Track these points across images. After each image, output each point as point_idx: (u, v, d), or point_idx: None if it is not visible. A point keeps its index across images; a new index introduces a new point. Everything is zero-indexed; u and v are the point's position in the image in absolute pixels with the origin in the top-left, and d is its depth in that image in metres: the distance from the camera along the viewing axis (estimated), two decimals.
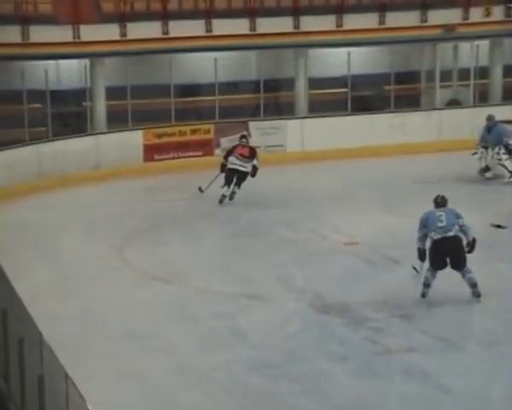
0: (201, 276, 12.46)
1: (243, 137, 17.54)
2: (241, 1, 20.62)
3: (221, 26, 19.74)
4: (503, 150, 17.22)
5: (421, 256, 11.26)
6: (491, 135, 17.30)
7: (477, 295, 11.01)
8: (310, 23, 20.05)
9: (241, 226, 15.04)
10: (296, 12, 20.12)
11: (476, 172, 17.54)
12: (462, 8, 20.53)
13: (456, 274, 11.10)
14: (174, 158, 19.88)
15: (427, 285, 11.14)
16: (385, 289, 11.57)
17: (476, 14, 20.59)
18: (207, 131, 20.14)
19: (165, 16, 19.74)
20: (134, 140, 19.50)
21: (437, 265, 11.15)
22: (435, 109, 21.03)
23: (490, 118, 17.45)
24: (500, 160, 17.31)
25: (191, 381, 8.95)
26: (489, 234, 13.54)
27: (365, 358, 9.49)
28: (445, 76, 21.59)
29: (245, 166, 16.75)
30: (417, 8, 20.49)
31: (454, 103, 21.65)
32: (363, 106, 21.30)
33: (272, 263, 12.87)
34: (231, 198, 16.59)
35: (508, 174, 17.24)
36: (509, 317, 10.28)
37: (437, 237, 11.08)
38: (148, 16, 19.88)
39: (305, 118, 20.65)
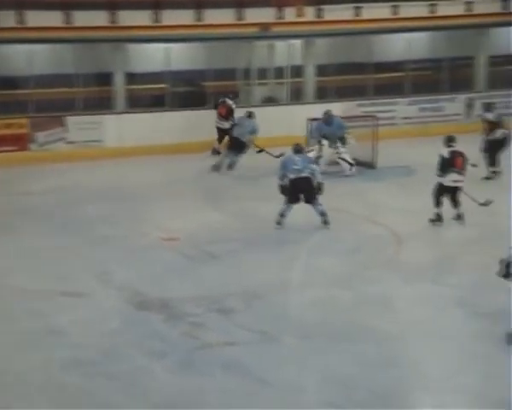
0: (18, 275, 12.01)
1: (233, 94, 19.86)
2: None
3: (35, 18, 19.11)
4: (340, 144, 17.74)
5: (283, 191, 13.80)
6: (333, 128, 17.71)
7: (326, 222, 13.81)
8: (127, 17, 19.80)
9: (59, 223, 14.65)
10: (113, 6, 19.81)
11: None
12: (276, 7, 20.89)
13: (272, 272, 11.37)
14: None
15: (282, 216, 13.79)
16: (204, 284, 11.62)
17: (290, 14, 21.02)
18: (22, 126, 19.52)
19: None
20: None
21: (292, 199, 13.81)
22: (252, 106, 21.29)
23: (327, 112, 17.88)
24: (339, 153, 17.80)
25: (6, 383, 8.63)
26: (300, 229, 13.91)
27: (185, 353, 9.49)
28: (262, 74, 21.94)
29: (222, 124, 19.05)
30: (233, 6, 20.67)
31: (270, 100, 22.03)
32: (181, 102, 21.28)
33: (91, 260, 12.65)
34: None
35: (348, 167, 17.75)
36: (321, 309, 10.57)
37: (292, 176, 13.74)
38: None
39: (123, 113, 20.42)
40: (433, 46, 22.67)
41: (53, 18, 19.36)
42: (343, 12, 21.17)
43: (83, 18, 19.54)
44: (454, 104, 19.50)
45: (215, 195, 16.33)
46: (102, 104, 20.67)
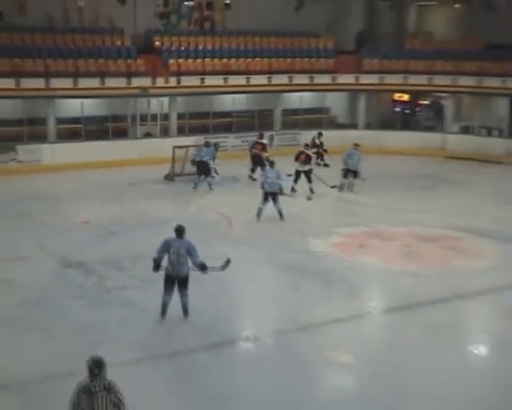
0: None
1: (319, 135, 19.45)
2: None
3: None
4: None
5: (196, 168, 15.26)
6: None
7: (211, 189, 15.20)
8: (56, 83, 19.02)
9: (12, 213, 13.80)
10: (47, 75, 18.98)
11: (162, 177, 17.64)
12: (152, 76, 20.55)
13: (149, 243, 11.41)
14: None
15: (196, 185, 15.18)
16: (107, 250, 11.41)
17: (160, 81, 20.69)
18: None
19: None
20: None
21: (199, 174, 15.01)
22: (137, 139, 21.00)
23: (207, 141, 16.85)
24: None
25: None
26: (169, 217, 13.85)
27: (95, 296, 9.39)
28: (143, 118, 21.59)
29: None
30: (125, 76, 20.28)
31: (149, 135, 21.71)
32: (93, 136, 20.62)
33: (32, 237, 12.18)
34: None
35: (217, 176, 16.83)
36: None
37: (198, 159, 15.05)
38: None
39: (54, 143, 19.61)
40: (249, 102, 23.10)
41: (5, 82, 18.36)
42: (194, 80, 21.18)
43: (28, 83, 18.62)
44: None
45: (116, 195, 15.95)
46: (41, 137, 19.76)
